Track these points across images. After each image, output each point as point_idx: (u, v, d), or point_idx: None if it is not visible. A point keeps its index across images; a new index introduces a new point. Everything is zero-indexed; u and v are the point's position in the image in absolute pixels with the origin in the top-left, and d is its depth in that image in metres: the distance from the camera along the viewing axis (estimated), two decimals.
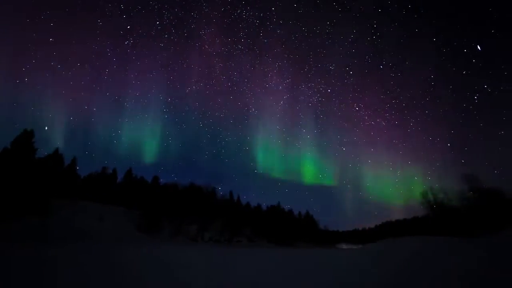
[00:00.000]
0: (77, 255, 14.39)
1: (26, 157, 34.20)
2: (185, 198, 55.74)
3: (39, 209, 32.59)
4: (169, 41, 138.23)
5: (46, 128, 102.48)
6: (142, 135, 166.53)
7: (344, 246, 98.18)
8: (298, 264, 16.99)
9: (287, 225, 77.46)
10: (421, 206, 56.07)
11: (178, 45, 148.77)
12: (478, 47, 65.48)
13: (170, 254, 18.78)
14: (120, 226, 41.19)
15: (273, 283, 9.49)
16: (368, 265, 17.17)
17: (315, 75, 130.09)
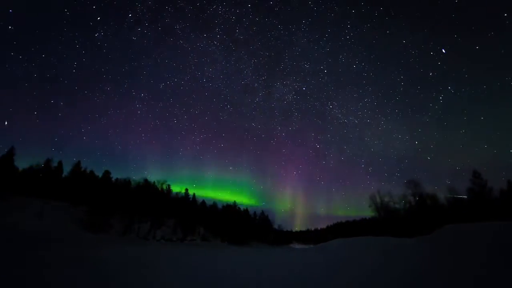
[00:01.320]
0: None
1: None
2: (137, 195, 54.17)
3: None
4: (143, 35, 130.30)
5: (6, 123, 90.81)
6: (114, 132, 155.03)
7: (296, 245, 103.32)
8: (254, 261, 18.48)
9: (242, 224, 79.40)
10: (369, 207, 61.54)
11: (152, 39, 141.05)
12: (443, 50, 73.70)
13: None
14: (62, 224, 38.87)
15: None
16: (319, 262, 19.41)
17: (291, 73, 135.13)
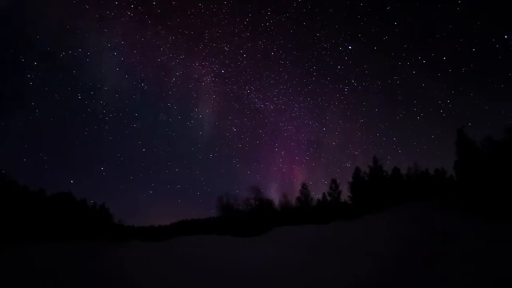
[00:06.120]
0: None
1: None
2: None
3: None
4: None
5: None
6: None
7: (136, 242, 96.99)
8: None
9: (76, 217, 66.80)
10: (215, 208, 66.87)
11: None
12: (349, 47, 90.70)
13: None
14: None
15: None
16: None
17: (210, 54, 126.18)
